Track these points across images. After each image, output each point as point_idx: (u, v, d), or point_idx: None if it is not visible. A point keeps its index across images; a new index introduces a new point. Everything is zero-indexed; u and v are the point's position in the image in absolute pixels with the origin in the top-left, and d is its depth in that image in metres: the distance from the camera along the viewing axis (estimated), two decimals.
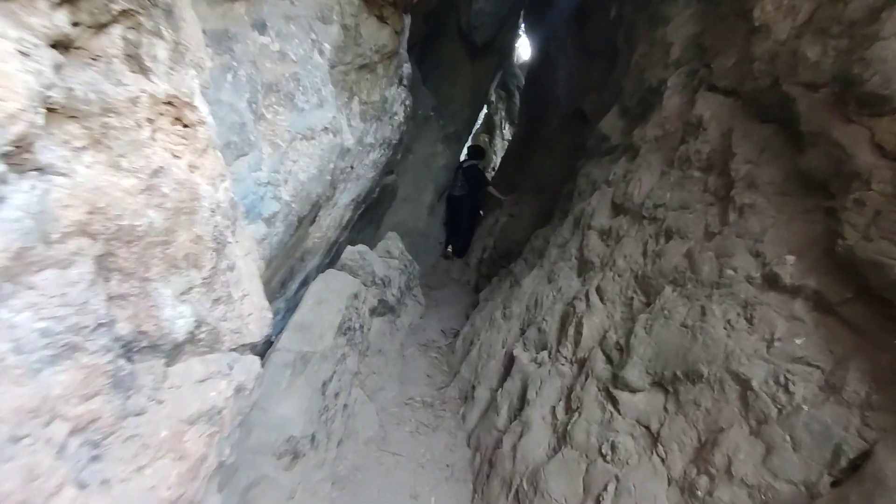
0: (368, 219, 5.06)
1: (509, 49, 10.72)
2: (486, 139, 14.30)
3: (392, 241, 4.87)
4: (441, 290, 7.38)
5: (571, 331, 3.02)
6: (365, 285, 3.78)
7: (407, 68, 4.71)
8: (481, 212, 9.86)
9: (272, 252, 2.70)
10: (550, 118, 8.71)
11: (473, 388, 3.76)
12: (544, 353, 3.21)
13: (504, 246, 6.52)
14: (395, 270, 4.55)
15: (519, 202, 7.67)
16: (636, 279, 2.79)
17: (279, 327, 3.51)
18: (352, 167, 3.79)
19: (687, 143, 2.89)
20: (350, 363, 3.25)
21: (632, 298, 2.76)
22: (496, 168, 14.78)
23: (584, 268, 3.46)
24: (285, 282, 3.49)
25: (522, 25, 11.49)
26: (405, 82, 4.67)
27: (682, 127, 3.05)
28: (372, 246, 5.02)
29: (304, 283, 3.85)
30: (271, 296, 3.31)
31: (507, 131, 14.54)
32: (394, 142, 4.58)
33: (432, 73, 9.53)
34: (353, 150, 3.60)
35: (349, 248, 3.84)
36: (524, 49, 15.31)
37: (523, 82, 14.03)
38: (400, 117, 4.59)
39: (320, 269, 4.04)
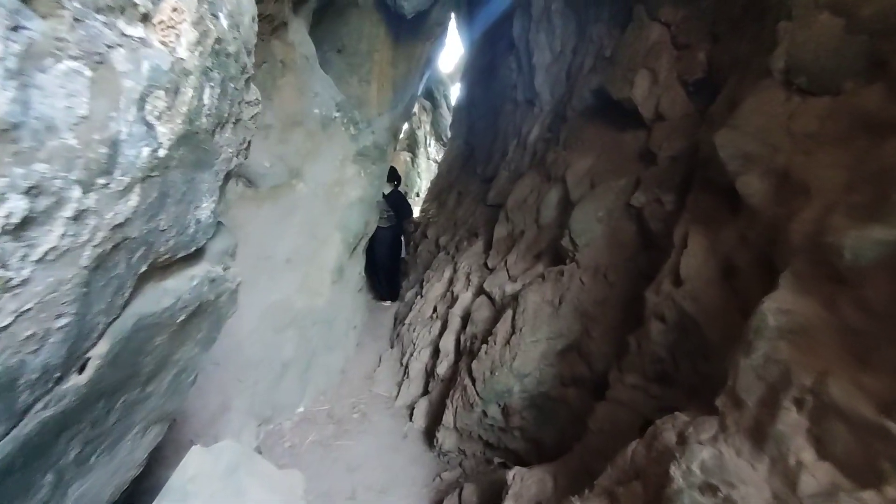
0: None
1: (444, 34, 7.31)
2: (409, 158, 10.76)
3: None
4: (357, 439, 3.66)
5: None
6: None
7: None
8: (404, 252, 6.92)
9: None
10: (520, 126, 5.34)
11: None
12: None
13: (495, 387, 2.95)
14: None
15: (492, 266, 4.15)
16: None
17: None
18: None
19: None
20: None
21: None
22: (420, 194, 11.29)
23: None
24: None
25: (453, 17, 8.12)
26: None
27: None
28: None
29: None
30: None
31: (434, 149, 11.10)
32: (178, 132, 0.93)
33: (335, 62, 5.89)
34: None
35: None
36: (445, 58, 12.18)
37: (452, 91, 10.71)
38: (223, 19, 0.98)
39: None
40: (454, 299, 4.33)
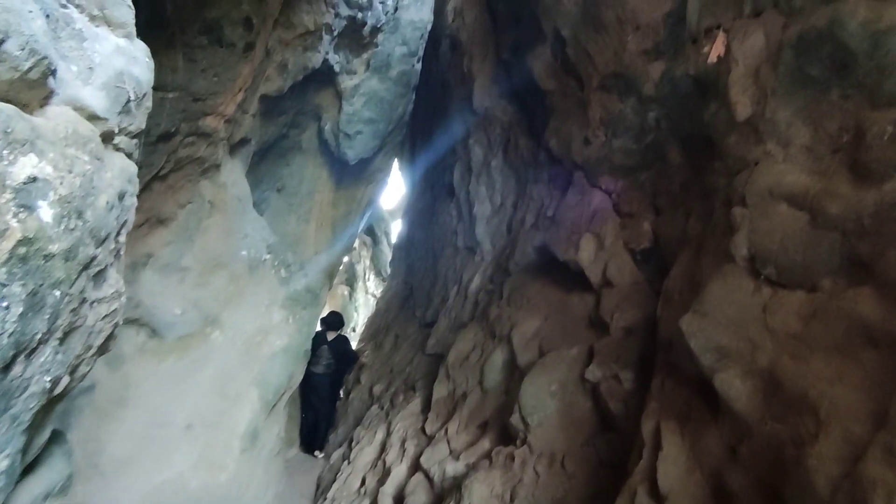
0: None
1: (385, 180, 7.40)
2: (348, 292, 10.34)
3: None
4: None
5: None
6: None
7: None
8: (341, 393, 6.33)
9: None
10: (461, 273, 5.15)
11: None
12: None
13: None
14: None
15: (431, 433, 3.61)
16: None
17: None
18: None
19: None
20: None
21: None
22: (356, 329, 10.72)
23: None
24: None
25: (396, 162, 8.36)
26: None
27: None
28: None
29: None
30: None
31: (374, 284, 10.80)
32: None
33: (273, 201, 5.68)
34: None
35: None
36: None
37: (393, 227, 10.79)
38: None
39: None
40: (386, 472, 3.67)
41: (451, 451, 3.16)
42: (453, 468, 2.96)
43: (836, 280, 1.51)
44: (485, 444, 2.99)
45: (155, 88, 1.69)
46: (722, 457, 1.61)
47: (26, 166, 0.69)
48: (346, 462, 4.44)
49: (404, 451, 3.70)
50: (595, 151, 3.15)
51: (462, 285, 4.99)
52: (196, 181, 3.76)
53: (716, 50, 2.17)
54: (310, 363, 5.10)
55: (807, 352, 1.46)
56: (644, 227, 2.73)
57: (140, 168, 2.14)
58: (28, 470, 1.11)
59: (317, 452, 5.60)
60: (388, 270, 9.13)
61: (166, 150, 3.32)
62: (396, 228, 10.56)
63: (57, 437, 1.28)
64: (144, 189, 3.37)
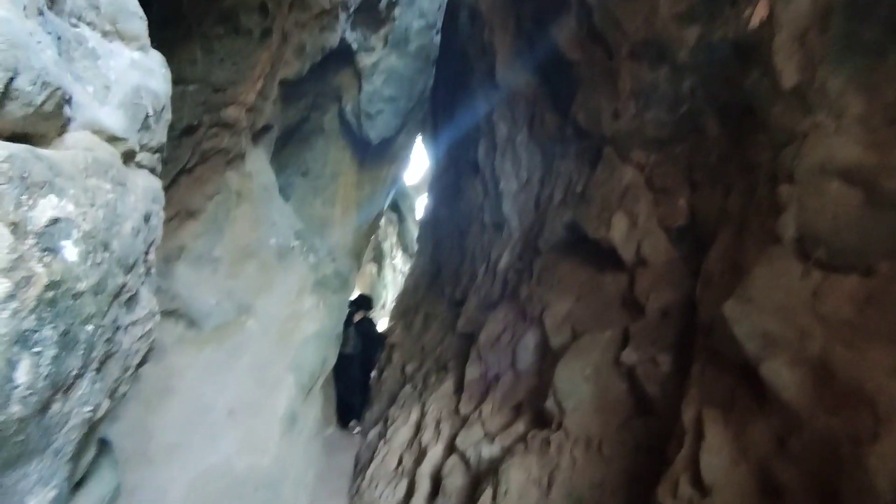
0: None
1: (408, 157, 7.34)
2: (375, 270, 10.44)
3: None
4: None
5: None
6: None
7: None
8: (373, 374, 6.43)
9: None
10: (489, 251, 5.11)
11: None
12: None
13: None
14: None
15: (465, 414, 3.64)
16: None
17: None
18: None
19: None
20: None
21: None
22: (385, 306, 10.85)
23: None
24: None
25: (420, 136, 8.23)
26: None
27: None
28: None
29: None
30: None
31: (401, 261, 10.86)
32: None
33: (298, 185, 5.67)
34: None
35: None
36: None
37: (418, 203, 10.76)
38: None
39: None
40: (422, 452, 3.74)
41: (485, 433, 3.19)
42: (489, 451, 2.98)
43: (893, 263, 1.41)
44: (519, 426, 2.99)
45: (175, 82, 1.68)
46: (770, 449, 1.56)
47: (47, 209, 0.68)
48: (382, 441, 4.54)
49: (439, 432, 3.75)
50: (626, 124, 3.01)
51: (490, 263, 4.94)
52: (222, 172, 3.78)
53: (758, 13, 2.02)
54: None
55: (862, 341, 1.38)
56: (679, 203, 2.62)
57: (166, 163, 2.14)
58: (76, 486, 1.15)
59: (352, 424, 5.78)
60: (416, 246, 9.15)
61: (191, 144, 3.34)
62: (422, 204, 10.52)
63: (103, 448, 1.32)
64: (172, 183, 3.42)
